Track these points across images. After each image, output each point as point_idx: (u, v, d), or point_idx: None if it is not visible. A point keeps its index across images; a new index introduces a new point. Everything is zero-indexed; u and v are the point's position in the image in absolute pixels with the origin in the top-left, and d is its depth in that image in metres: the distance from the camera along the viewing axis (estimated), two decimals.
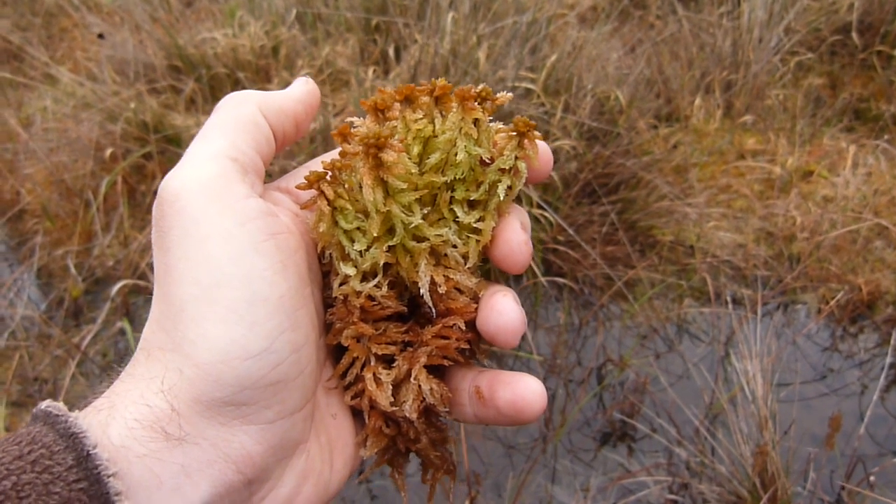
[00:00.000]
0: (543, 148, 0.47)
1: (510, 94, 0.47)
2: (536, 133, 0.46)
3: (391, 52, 2.76)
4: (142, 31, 2.95)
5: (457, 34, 2.50)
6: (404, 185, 0.44)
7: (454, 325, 0.46)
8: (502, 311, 0.45)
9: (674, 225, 2.47)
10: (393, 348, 0.47)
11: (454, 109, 0.46)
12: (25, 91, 2.95)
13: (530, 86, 2.54)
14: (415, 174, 0.45)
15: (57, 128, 2.61)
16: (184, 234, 0.42)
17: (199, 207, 0.42)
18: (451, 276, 0.47)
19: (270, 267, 0.42)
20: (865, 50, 3.21)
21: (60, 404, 0.38)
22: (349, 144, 0.46)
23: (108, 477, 0.35)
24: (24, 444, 0.35)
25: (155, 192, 2.47)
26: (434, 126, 0.46)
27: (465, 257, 0.47)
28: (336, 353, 0.50)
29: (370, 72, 2.68)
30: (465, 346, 0.47)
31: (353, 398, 0.48)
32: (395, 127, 0.46)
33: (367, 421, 0.47)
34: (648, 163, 2.51)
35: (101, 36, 2.49)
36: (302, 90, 0.51)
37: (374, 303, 0.47)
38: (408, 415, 0.46)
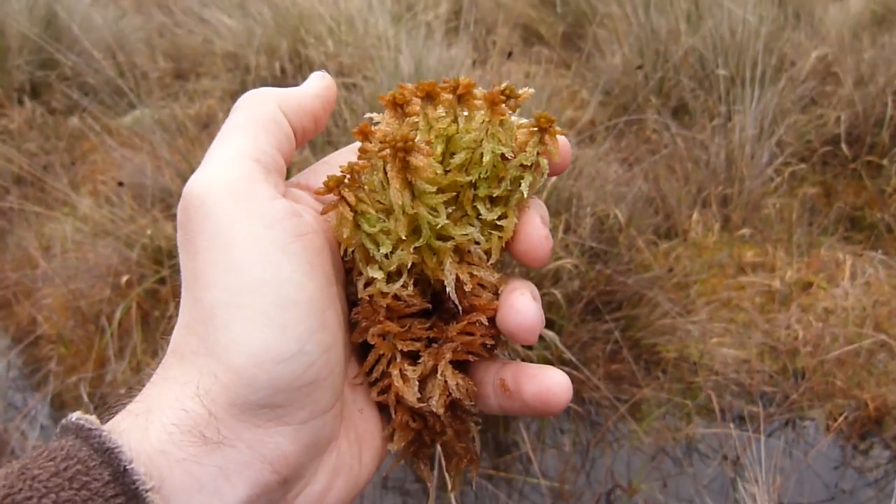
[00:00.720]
0: (563, 142, 0.48)
1: (532, 90, 0.48)
2: (557, 128, 0.46)
3: None
4: (159, 157, 3.09)
5: None
6: (432, 189, 0.44)
7: (477, 321, 0.47)
8: (520, 309, 0.45)
9: (677, 341, 2.50)
10: (418, 344, 0.48)
11: (481, 110, 0.46)
12: (46, 216, 3.06)
13: None
14: (440, 174, 0.45)
15: (75, 255, 2.70)
16: (211, 239, 0.42)
17: (225, 211, 0.42)
18: (475, 273, 0.47)
19: (299, 269, 0.42)
20: (855, 160, 3.32)
21: (92, 417, 0.38)
22: (370, 143, 0.46)
23: (146, 492, 0.35)
24: (59, 461, 0.35)
25: (169, 317, 2.51)
26: (458, 125, 0.46)
27: (488, 253, 0.48)
28: (360, 349, 0.50)
29: None
30: (489, 341, 0.47)
31: (379, 394, 0.48)
32: (416, 123, 0.46)
33: (393, 416, 0.48)
34: (649, 280, 2.57)
35: (120, 184, 2.62)
36: (319, 85, 0.51)
37: (400, 301, 0.47)
38: (434, 409, 0.46)
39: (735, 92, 3.34)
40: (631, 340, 2.50)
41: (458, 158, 0.46)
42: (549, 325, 2.41)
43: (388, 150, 0.43)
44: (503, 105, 0.45)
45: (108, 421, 0.39)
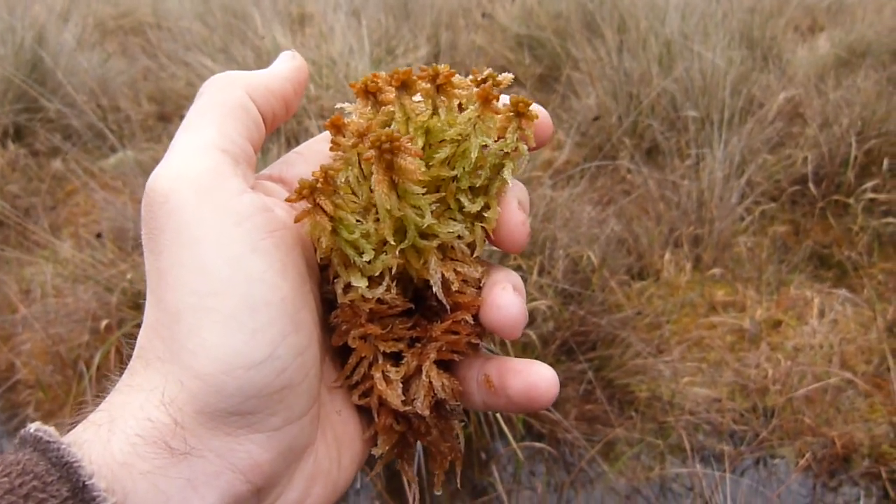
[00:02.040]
0: (544, 115, 0.46)
1: (511, 76, 0.46)
2: (533, 111, 0.44)
3: None
4: (141, 200, 3.13)
5: None
6: (420, 190, 0.42)
7: (462, 320, 0.45)
8: (502, 305, 0.44)
9: (649, 381, 2.55)
10: (400, 345, 0.46)
11: (469, 103, 0.44)
12: (26, 261, 3.08)
13: None
14: (423, 171, 0.42)
15: (55, 299, 2.72)
16: (176, 237, 0.39)
17: (190, 208, 0.40)
18: (460, 270, 0.45)
19: (270, 268, 0.40)
20: (823, 199, 3.41)
21: (51, 429, 0.36)
22: (343, 137, 0.43)
23: None
24: (14, 476, 0.33)
25: None
26: (440, 116, 0.44)
27: (471, 247, 0.46)
28: (337, 349, 0.48)
29: None
30: (474, 340, 0.46)
31: (361, 397, 0.46)
32: (392, 113, 0.44)
33: (376, 419, 0.46)
34: (622, 320, 2.62)
35: (98, 235, 2.66)
36: (289, 66, 0.48)
37: (383, 304, 0.45)
38: (420, 411, 0.45)
39: (705, 133, 3.44)
40: (604, 381, 2.54)
41: (442, 153, 0.44)
42: None
43: (373, 152, 0.40)
44: (496, 102, 0.44)
45: (69, 432, 0.37)
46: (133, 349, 0.42)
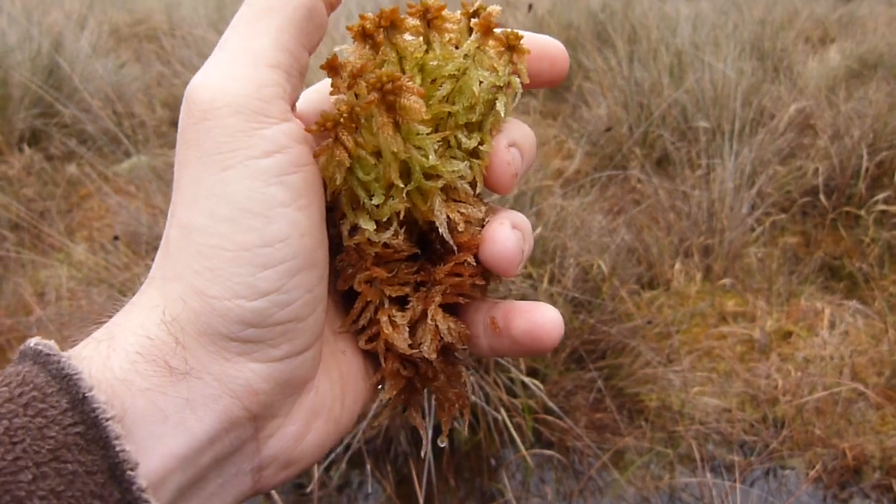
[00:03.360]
0: (554, 45, 0.46)
1: (499, 8, 0.45)
2: (524, 45, 0.44)
3: None
4: (154, 205, 3.16)
5: None
6: (425, 130, 0.41)
7: (465, 261, 0.44)
8: (497, 239, 0.43)
9: (659, 390, 2.55)
10: (406, 289, 0.45)
11: (460, 35, 0.44)
12: (41, 264, 3.11)
13: None
14: (423, 109, 0.41)
15: (69, 302, 2.75)
16: (205, 156, 0.38)
17: (227, 131, 0.38)
18: (463, 211, 0.45)
19: (294, 202, 0.39)
20: (834, 210, 3.41)
21: (51, 343, 0.36)
22: (340, 79, 0.42)
23: (107, 420, 0.33)
24: (13, 386, 0.33)
25: None
26: (435, 52, 0.43)
27: (473, 185, 0.45)
28: (343, 295, 0.47)
29: None
30: (479, 281, 0.45)
31: (367, 342, 0.46)
32: (386, 53, 0.43)
33: (383, 363, 0.46)
34: (632, 329, 2.63)
35: (116, 238, 2.69)
36: None
37: (389, 248, 0.45)
38: (426, 356, 0.44)
39: (716, 144, 3.45)
40: (614, 389, 2.54)
41: (443, 90, 0.43)
42: (534, 373, 2.46)
43: (374, 94, 0.39)
44: (493, 29, 0.43)
45: (70, 349, 0.37)
46: None
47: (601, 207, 3.34)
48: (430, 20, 0.42)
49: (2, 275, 3.06)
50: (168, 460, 0.35)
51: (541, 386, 2.39)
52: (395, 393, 0.46)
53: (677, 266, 3.00)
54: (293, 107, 0.43)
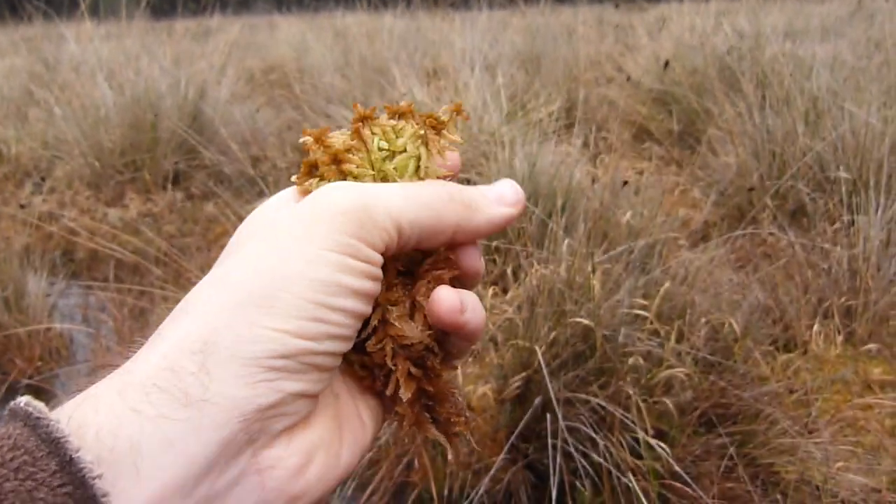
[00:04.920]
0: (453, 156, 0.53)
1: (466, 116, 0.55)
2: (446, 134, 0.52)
3: (509, 272, 2.95)
4: None
5: (573, 262, 2.66)
6: (365, 172, 0.48)
7: (444, 256, 0.49)
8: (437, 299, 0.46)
9: (798, 463, 2.38)
10: (399, 292, 0.49)
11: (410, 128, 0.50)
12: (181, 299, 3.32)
13: (642, 312, 2.62)
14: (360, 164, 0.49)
15: None
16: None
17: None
18: None
19: (348, 272, 0.42)
20: None
21: (41, 405, 0.37)
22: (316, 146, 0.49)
23: (93, 479, 0.35)
24: (5, 450, 0.35)
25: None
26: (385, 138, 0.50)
27: None
28: None
29: (489, 291, 2.86)
30: (456, 272, 0.49)
31: (375, 345, 0.48)
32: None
33: (394, 369, 0.48)
34: (767, 394, 2.48)
35: None
36: (502, 214, 0.51)
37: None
38: (427, 343, 0.48)
39: (858, 196, 3.24)
40: (747, 458, 2.40)
41: (383, 153, 0.50)
42: (661, 435, 2.36)
43: (328, 156, 0.48)
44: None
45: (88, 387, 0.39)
46: None
47: (728, 260, 3.20)
48: (365, 119, 0.50)
49: (147, 308, 3.27)
50: (166, 488, 0.36)
51: (668, 449, 2.29)
52: (409, 395, 0.48)
53: (816, 327, 2.82)
54: None
